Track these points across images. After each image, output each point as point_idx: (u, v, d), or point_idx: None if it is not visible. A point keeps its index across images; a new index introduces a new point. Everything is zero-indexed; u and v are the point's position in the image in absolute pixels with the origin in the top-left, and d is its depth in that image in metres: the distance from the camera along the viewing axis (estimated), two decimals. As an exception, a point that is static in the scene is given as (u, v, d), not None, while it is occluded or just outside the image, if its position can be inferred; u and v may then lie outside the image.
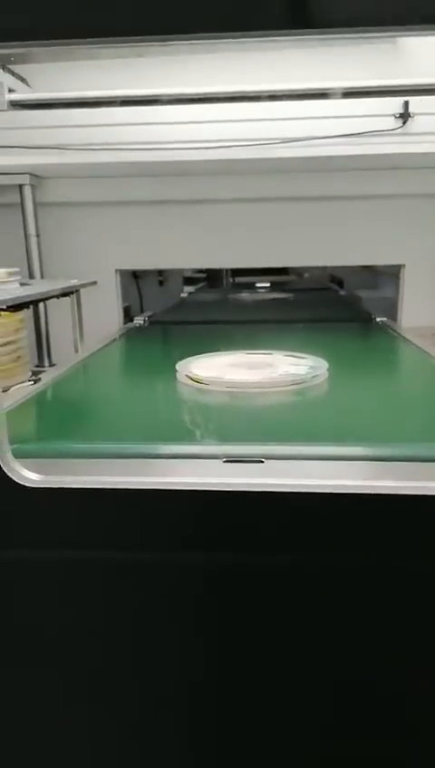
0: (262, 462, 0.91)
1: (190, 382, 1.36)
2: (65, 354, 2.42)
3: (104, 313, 2.71)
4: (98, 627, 0.81)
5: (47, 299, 1.90)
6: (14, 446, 0.81)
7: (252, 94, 2.15)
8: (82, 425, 1.27)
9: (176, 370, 1.44)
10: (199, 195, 2.56)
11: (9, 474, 0.78)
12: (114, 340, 2.23)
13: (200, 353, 1.56)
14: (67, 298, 2.24)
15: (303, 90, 2.14)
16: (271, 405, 1.26)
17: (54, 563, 0.79)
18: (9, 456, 0.78)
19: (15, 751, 0.86)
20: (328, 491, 0.73)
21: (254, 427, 1.16)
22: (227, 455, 0.94)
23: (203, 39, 0.62)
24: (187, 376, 1.39)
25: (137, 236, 2.70)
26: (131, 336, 2.41)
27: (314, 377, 1.34)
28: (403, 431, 1.12)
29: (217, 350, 1.63)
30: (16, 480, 0.77)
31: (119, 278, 2.83)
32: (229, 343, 1.79)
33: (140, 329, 2.57)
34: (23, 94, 2.29)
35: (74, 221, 2.65)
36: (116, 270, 2.79)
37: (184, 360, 1.48)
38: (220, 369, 1.38)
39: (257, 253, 2.70)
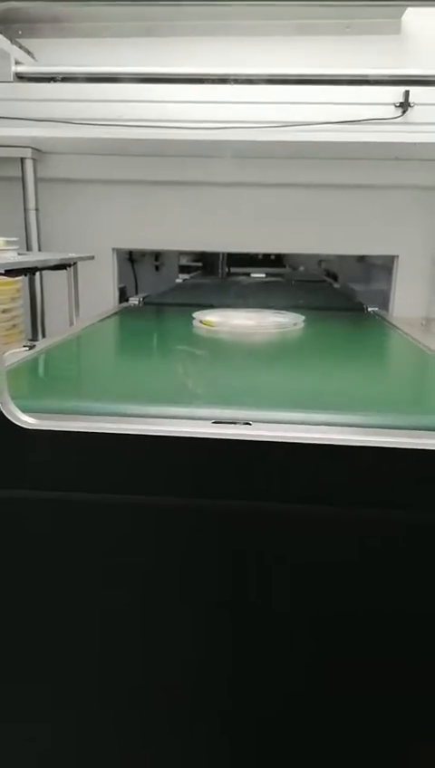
0: (249, 424, 0.94)
1: (203, 326, 1.83)
2: (58, 330, 2.44)
3: (99, 291, 2.74)
4: (89, 563, 0.85)
5: (45, 268, 1.92)
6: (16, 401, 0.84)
7: (253, 77, 2.17)
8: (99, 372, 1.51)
9: (193, 317, 1.90)
10: (197, 177, 2.59)
11: (8, 416, 0.81)
12: (111, 315, 2.26)
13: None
14: (63, 272, 2.26)
15: (303, 75, 2.16)
16: (261, 340, 1.82)
17: (51, 502, 0.82)
18: (8, 399, 0.82)
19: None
20: (310, 441, 0.78)
21: (251, 351, 1.69)
22: (217, 417, 0.97)
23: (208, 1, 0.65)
24: (200, 321, 1.83)
25: (134, 216, 2.72)
26: (129, 312, 2.45)
27: (293, 324, 1.88)
28: (341, 359, 1.66)
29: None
30: (15, 422, 0.81)
31: (115, 257, 2.85)
32: None
33: (135, 308, 2.60)
34: (28, 67, 2.29)
35: (74, 198, 2.67)
36: (113, 249, 2.81)
37: (198, 312, 1.95)
38: (225, 318, 1.86)
39: (252, 238, 2.73)
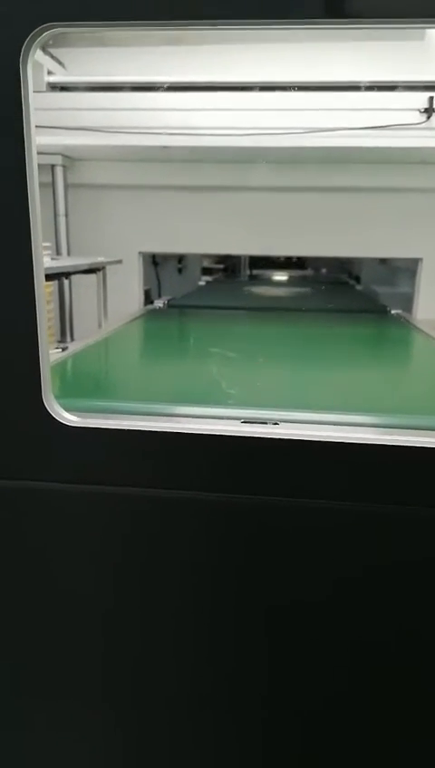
0: (277, 424, 0.98)
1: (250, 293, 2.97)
2: (85, 333, 2.50)
3: (125, 294, 2.79)
4: (117, 556, 0.89)
5: (76, 272, 1.98)
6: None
7: (280, 84, 2.21)
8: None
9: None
10: (224, 182, 2.63)
11: (53, 414, 0.86)
12: (137, 318, 2.31)
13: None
14: (92, 276, 2.33)
15: (329, 82, 2.20)
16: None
17: (90, 495, 0.87)
18: (52, 398, 0.87)
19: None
20: (332, 440, 0.81)
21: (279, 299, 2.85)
22: (246, 417, 1.02)
23: (245, 25, 0.70)
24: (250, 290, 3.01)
25: (161, 221, 2.77)
26: (155, 314, 2.49)
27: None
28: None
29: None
30: (58, 419, 0.86)
31: (141, 260, 2.91)
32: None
33: (159, 311, 2.65)
34: (60, 77, 2.36)
35: (101, 203, 2.73)
36: (139, 252, 2.87)
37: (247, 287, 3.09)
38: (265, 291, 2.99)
39: (277, 241, 2.77)
